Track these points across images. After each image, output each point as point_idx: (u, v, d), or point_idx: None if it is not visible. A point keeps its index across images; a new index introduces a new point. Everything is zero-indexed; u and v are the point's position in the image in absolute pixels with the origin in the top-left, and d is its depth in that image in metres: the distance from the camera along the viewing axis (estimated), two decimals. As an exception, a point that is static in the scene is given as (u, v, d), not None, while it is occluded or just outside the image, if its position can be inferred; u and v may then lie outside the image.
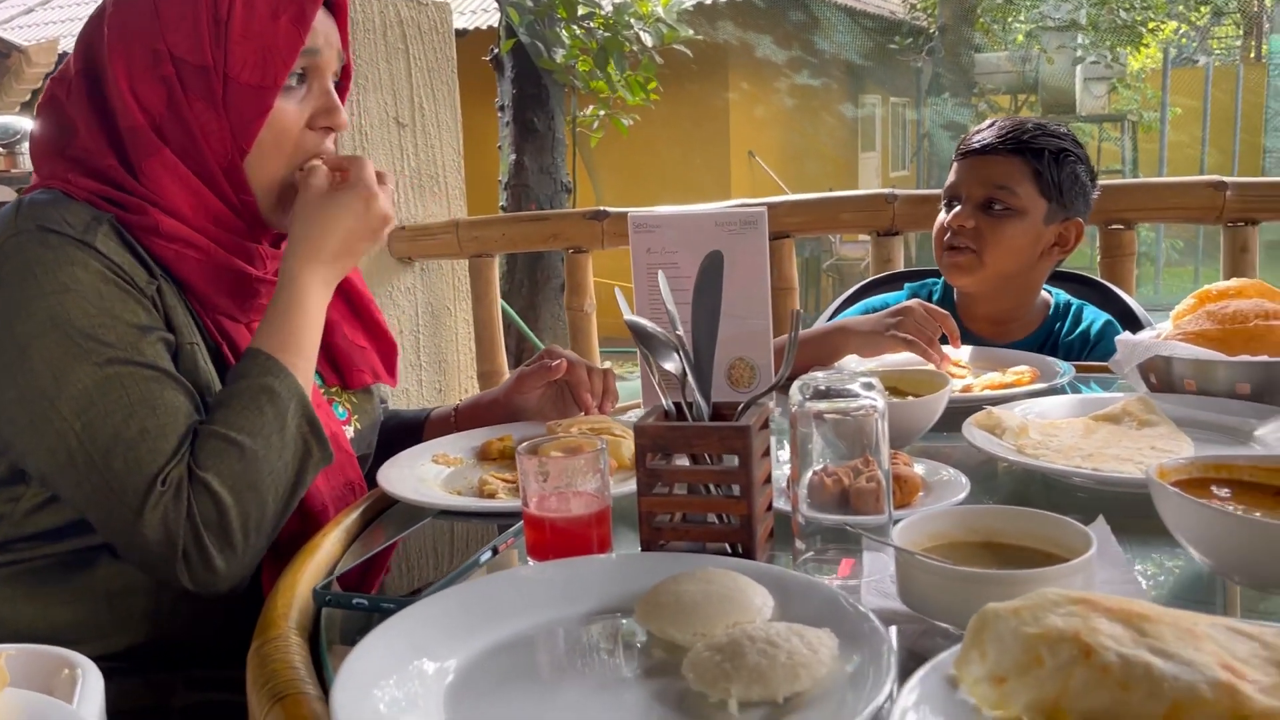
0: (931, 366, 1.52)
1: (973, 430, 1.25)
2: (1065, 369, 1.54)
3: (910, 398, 1.36)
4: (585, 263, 2.72)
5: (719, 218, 1.50)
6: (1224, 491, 0.93)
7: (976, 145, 1.81)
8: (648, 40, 7.45)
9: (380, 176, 1.25)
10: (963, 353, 1.69)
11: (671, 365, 1.01)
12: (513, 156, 7.99)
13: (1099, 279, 2.12)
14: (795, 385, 0.95)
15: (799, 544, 0.96)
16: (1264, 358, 1.27)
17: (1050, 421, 1.29)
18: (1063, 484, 1.16)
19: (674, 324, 1.04)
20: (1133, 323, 1.92)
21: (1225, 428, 1.25)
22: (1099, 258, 2.55)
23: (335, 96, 1.26)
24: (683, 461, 1.00)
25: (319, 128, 1.24)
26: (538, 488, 0.96)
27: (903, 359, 1.58)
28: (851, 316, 1.78)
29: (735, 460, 0.94)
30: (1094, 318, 1.83)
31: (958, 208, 1.80)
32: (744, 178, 12.11)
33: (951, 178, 1.86)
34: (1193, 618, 0.68)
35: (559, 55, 7.34)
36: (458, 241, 2.79)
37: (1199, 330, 1.37)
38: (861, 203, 2.61)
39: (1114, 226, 2.52)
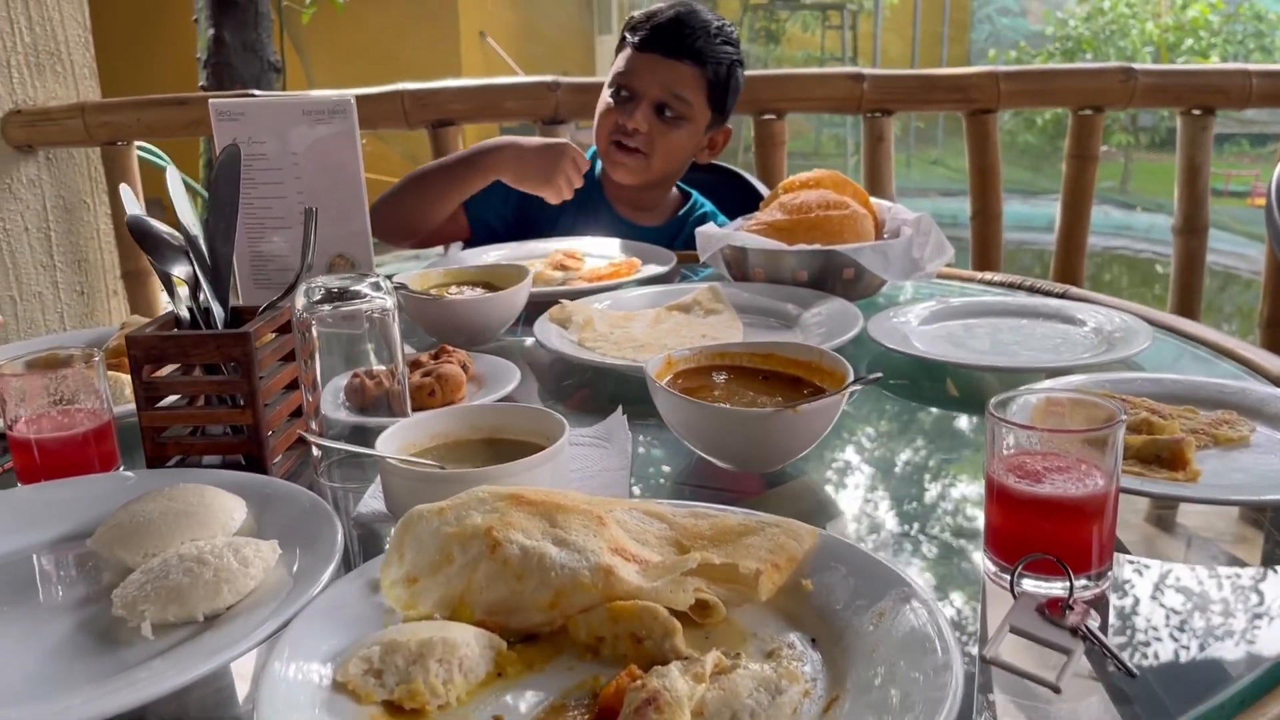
0: (519, 262, 1.53)
1: (545, 325, 1.26)
2: (668, 260, 1.60)
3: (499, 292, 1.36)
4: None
5: (306, 105, 1.42)
6: (722, 376, 0.99)
7: (656, 42, 1.75)
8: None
9: None
10: (580, 242, 1.72)
11: (180, 270, 0.95)
12: (211, 32, 7.31)
13: (733, 168, 2.20)
14: (301, 289, 0.91)
15: (315, 452, 0.94)
16: (817, 246, 1.36)
17: (625, 313, 1.33)
18: (627, 375, 1.20)
19: (188, 226, 0.97)
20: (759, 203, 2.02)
21: (780, 313, 1.33)
22: (753, 147, 2.66)
23: None
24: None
25: None
26: (17, 408, 0.88)
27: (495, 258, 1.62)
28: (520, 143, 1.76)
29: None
30: (705, 210, 1.91)
31: (630, 104, 1.77)
32: (476, 61, 11.66)
33: (622, 66, 1.80)
34: (609, 504, 0.71)
35: (255, -82, 6.72)
36: (85, 127, 2.50)
37: (771, 220, 1.44)
38: (525, 90, 2.56)
39: (766, 117, 2.62)
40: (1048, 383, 1.00)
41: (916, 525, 0.84)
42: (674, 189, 1.96)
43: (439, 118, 2.59)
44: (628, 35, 1.82)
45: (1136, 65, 2.58)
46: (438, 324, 1.28)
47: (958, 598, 0.73)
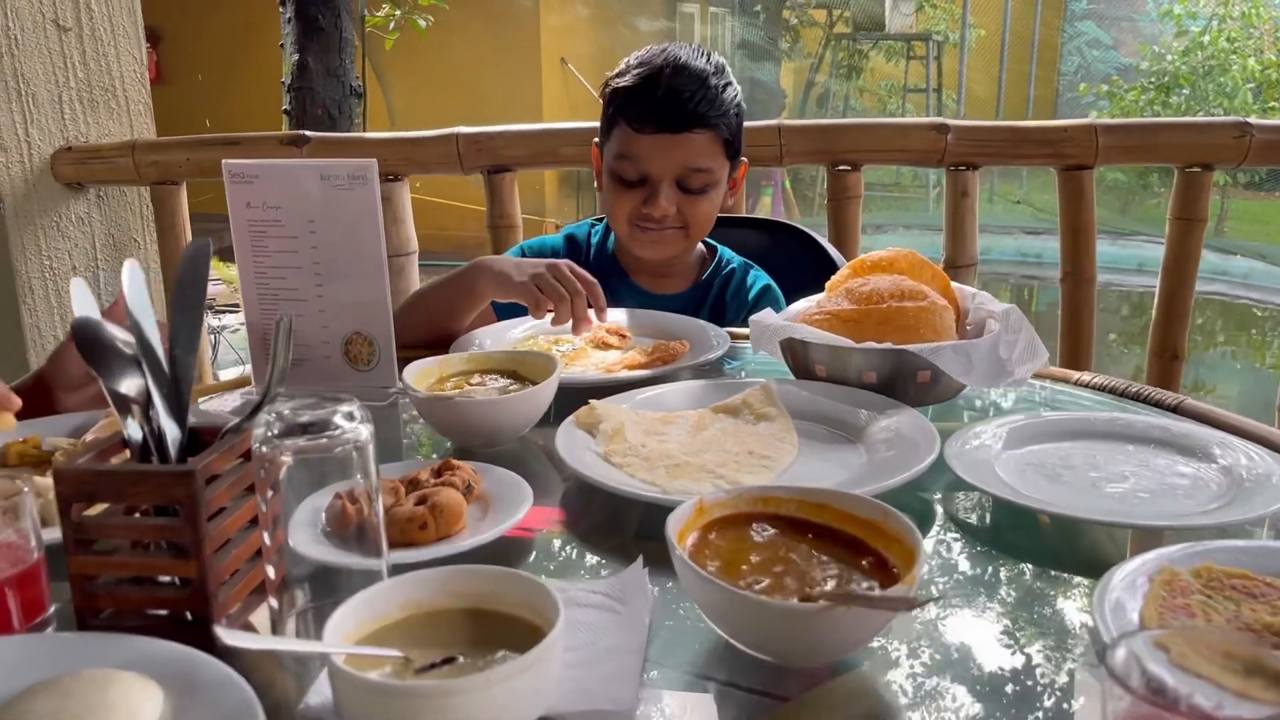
0: (556, 336, 1.38)
1: (570, 432, 1.11)
2: (720, 343, 1.43)
3: (529, 386, 1.21)
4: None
5: (324, 170, 1.31)
6: (767, 530, 0.82)
7: (659, 122, 1.56)
8: (443, -72, 7.01)
9: None
10: (620, 315, 1.56)
11: (130, 385, 0.81)
12: (296, 56, 7.43)
13: (803, 228, 2.03)
14: (262, 416, 0.77)
15: (272, 602, 0.79)
16: (889, 345, 1.18)
17: (663, 415, 1.17)
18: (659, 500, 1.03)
19: (146, 332, 0.84)
20: (828, 270, 1.84)
21: (842, 422, 1.16)
22: (825, 200, 2.48)
23: None
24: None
25: None
26: (-74, 550, 0.75)
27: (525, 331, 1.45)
28: (498, 256, 1.59)
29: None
30: (754, 280, 1.74)
31: (646, 189, 1.61)
32: (557, 90, 11.64)
33: (623, 150, 1.60)
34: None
35: (341, -57, 6.79)
36: (135, 166, 2.44)
37: (836, 310, 1.27)
38: (585, 136, 2.43)
39: (840, 168, 2.45)
40: (1160, 555, 0.80)
41: (1000, 759, 0.65)
42: (697, 251, 1.81)
43: (494, 164, 2.47)
44: (620, 117, 1.60)
45: (1253, 120, 2.34)
46: (449, 426, 1.13)
47: None
